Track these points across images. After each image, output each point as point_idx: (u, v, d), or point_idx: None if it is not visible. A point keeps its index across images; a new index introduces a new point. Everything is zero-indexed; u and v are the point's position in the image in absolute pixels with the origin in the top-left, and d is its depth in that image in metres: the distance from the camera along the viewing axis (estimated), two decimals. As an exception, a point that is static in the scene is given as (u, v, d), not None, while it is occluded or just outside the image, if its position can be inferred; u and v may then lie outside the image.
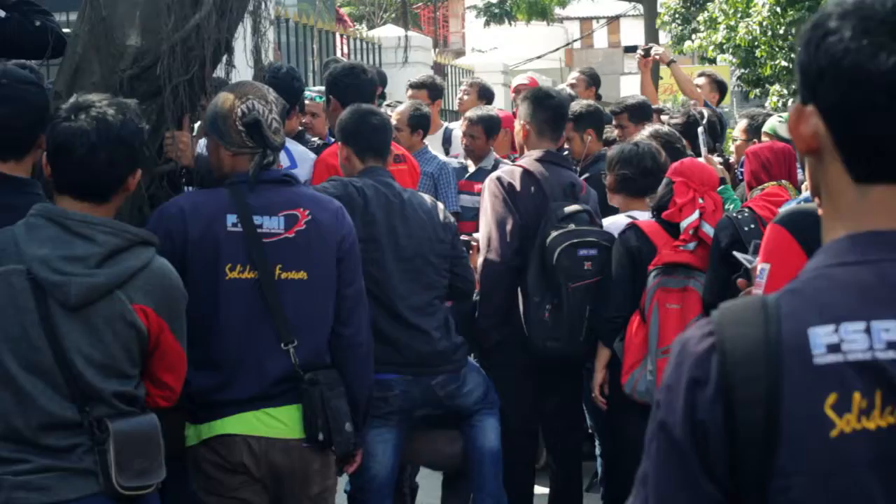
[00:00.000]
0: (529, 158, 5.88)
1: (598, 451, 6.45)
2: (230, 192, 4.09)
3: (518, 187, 5.73)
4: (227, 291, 4.04)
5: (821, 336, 1.51)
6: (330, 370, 4.21)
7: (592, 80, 9.78)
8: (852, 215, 1.59)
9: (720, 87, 9.62)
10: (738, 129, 7.49)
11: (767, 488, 1.51)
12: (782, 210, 3.17)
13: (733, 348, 1.53)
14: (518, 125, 6.11)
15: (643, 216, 5.66)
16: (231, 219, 4.06)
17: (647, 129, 6.19)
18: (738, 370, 1.52)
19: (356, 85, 6.31)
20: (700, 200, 5.21)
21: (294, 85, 6.11)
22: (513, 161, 6.55)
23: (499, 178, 5.81)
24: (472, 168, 7.66)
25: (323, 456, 4.22)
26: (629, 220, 5.67)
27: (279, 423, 4.11)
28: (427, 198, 5.46)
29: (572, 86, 9.31)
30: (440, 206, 5.47)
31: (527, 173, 5.78)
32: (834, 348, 1.51)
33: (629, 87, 35.73)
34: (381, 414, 4.94)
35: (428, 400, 5.16)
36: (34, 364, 3.31)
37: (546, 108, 5.98)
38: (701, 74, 9.76)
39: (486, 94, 9.00)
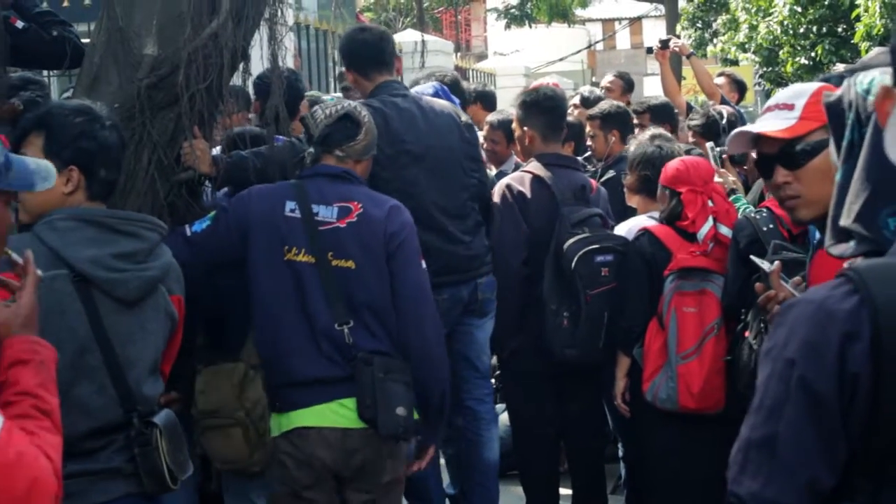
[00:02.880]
0: (537, 163, 5.87)
1: (621, 455, 6.44)
2: (291, 183, 4.44)
3: (528, 194, 5.74)
4: (285, 271, 4.31)
5: None
6: (391, 358, 4.34)
7: (629, 86, 9.75)
8: None
9: (739, 87, 9.59)
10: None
11: None
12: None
13: (884, 304, 1.59)
14: (517, 131, 6.09)
15: None
16: (290, 205, 4.35)
17: (647, 133, 6.14)
18: (889, 324, 1.58)
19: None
20: (710, 203, 5.18)
21: (296, 86, 6.13)
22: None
23: (508, 186, 5.81)
24: (492, 172, 7.66)
25: (391, 444, 4.37)
26: (650, 220, 5.65)
27: (350, 412, 4.29)
28: (442, 101, 5.57)
29: (607, 89, 9.29)
30: (456, 107, 5.58)
31: (536, 179, 5.78)
32: None
33: (652, 88, 35.61)
34: None
35: (471, 300, 5.53)
36: (84, 368, 3.28)
37: (545, 110, 5.97)
38: (720, 74, 9.72)
39: (488, 103, 9.05)
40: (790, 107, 3.11)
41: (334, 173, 4.47)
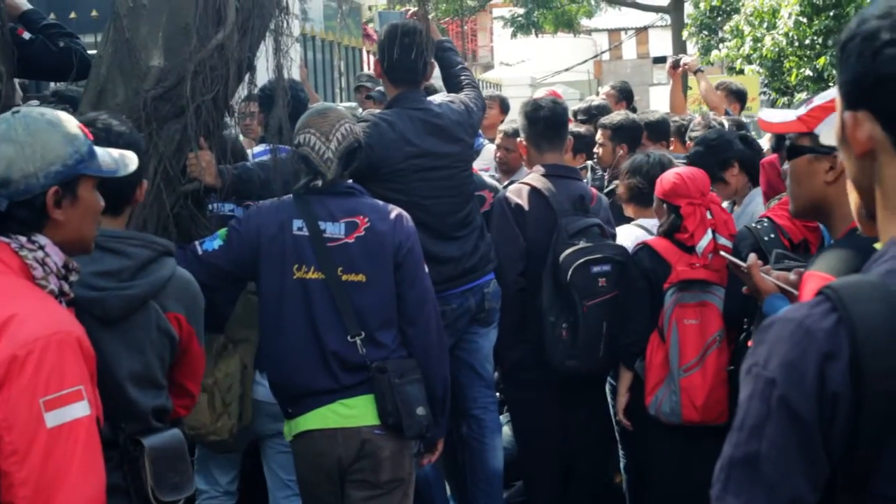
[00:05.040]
0: (535, 174, 5.89)
1: (623, 465, 6.44)
2: (296, 201, 4.47)
3: (526, 206, 5.76)
4: (294, 290, 4.37)
5: None
6: (401, 360, 4.45)
7: (623, 95, 9.77)
8: None
9: (739, 97, 9.54)
10: (764, 139, 7.47)
11: (883, 456, 1.60)
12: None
13: (862, 322, 1.60)
14: (518, 142, 6.15)
15: (652, 224, 5.66)
16: (297, 223, 4.41)
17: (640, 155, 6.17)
18: (868, 343, 1.60)
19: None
20: (709, 215, 5.18)
21: (299, 96, 6.18)
22: None
23: (506, 199, 5.84)
24: (504, 181, 7.68)
25: (395, 444, 4.45)
26: (639, 229, 5.68)
27: (350, 411, 4.39)
28: (457, 102, 5.64)
29: (604, 100, 9.33)
30: (470, 105, 5.69)
31: (534, 191, 5.79)
32: None
33: (658, 98, 35.64)
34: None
35: (479, 309, 5.60)
36: None
37: (537, 120, 5.99)
38: (717, 87, 9.69)
39: (505, 107, 9.10)
40: (807, 104, 3.17)
41: (340, 190, 4.52)
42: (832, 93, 3.13)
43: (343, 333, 4.37)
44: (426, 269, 4.62)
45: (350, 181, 4.60)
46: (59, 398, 2.64)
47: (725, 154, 5.64)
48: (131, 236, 3.49)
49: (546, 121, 5.98)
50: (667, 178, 5.28)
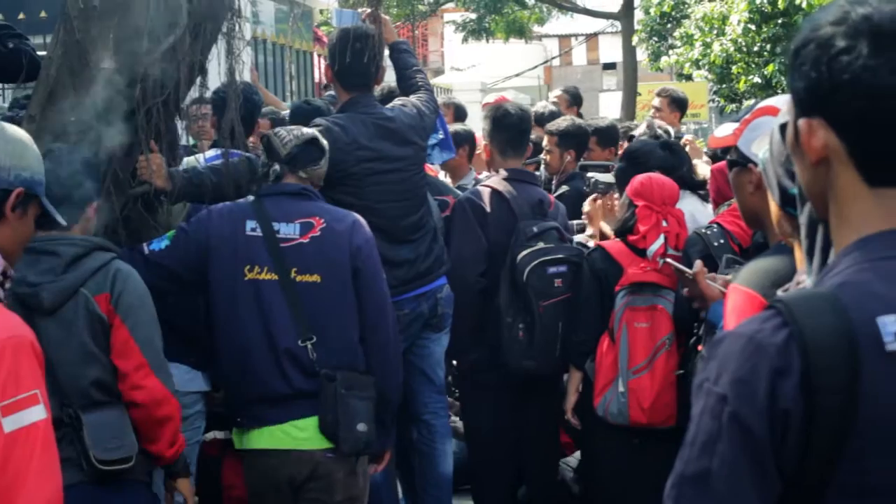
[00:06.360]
0: (497, 178, 5.95)
1: (574, 468, 6.46)
2: (251, 204, 4.47)
3: (487, 208, 5.80)
4: (246, 291, 4.35)
5: (888, 324, 1.60)
6: (353, 373, 4.41)
7: (574, 100, 9.77)
8: (869, 217, 1.69)
9: (680, 105, 9.42)
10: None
11: (835, 472, 1.59)
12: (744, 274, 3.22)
13: (813, 338, 1.59)
14: (482, 145, 6.19)
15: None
16: (250, 224, 4.40)
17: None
18: (819, 359, 1.58)
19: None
20: (664, 223, 5.22)
21: (252, 99, 6.18)
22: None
23: (468, 200, 5.88)
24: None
25: (348, 465, 4.43)
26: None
27: (302, 433, 4.37)
28: (409, 106, 5.64)
29: (555, 104, 9.32)
30: (422, 108, 5.69)
31: (495, 193, 5.84)
32: None
33: (608, 104, 35.82)
34: None
35: (431, 314, 5.61)
36: None
37: (505, 127, 6.04)
38: (659, 93, 9.62)
39: (460, 114, 9.04)
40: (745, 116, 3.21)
41: (294, 191, 4.53)
42: (777, 100, 3.18)
43: (295, 338, 4.35)
44: (384, 276, 4.62)
45: (307, 185, 4.59)
46: (17, 402, 2.67)
47: (647, 164, 5.67)
48: (62, 238, 3.85)
49: (514, 127, 6.07)
50: (637, 178, 5.34)
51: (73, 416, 3.79)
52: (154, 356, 3.92)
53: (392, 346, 4.63)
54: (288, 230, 4.41)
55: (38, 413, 2.71)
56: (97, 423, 3.80)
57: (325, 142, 4.68)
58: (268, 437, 4.39)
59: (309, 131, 4.66)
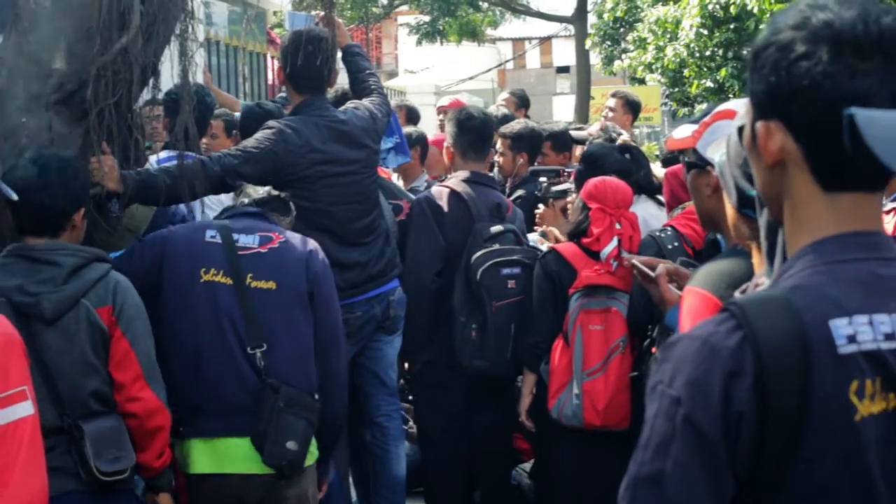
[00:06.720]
0: (456, 179, 5.97)
1: (528, 470, 6.48)
2: (215, 217, 4.58)
3: (445, 208, 5.83)
4: (200, 293, 4.33)
5: (841, 328, 1.62)
6: (300, 392, 4.33)
7: (522, 102, 9.78)
8: (823, 221, 1.70)
9: (633, 108, 9.42)
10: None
11: (787, 474, 1.60)
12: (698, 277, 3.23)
13: (767, 341, 1.60)
14: (445, 147, 6.20)
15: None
16: (210, 232, 4.41)
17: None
18: (773, 361, 1.60)
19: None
20: (617, 226, 5.23)
21: (205, 101, 6.12)
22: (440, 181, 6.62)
23: (426, 199, 5.91)
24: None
25: (299, 489, 4.37)
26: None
27: (253, 453, 4.27)
28: (361, 109, 5.64)
29: (503, 107, 9.32)
30: (374, 111, 5.68)
31: (454, 194, 5.87)
32: (851, 339, 1.62)
33: (561, 107, 35.98)
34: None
35: (384, 317, 5.60)
36: None
37: (468, 129, 6.07)
38: (613, 95, 9.63)
39: (413, 116, 9.04)
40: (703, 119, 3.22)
41: (256, 211, 4.57)
42: (737, 103, 3.20)
43: (246, 344, 4.29)
44: (339, 306, 4.61)
45: (266, 209, 4.62)
46: (5, 398, 2.77)
47: (604, 167, 5.69)
48: (62, 247, 3.90)
49: (477, 131, 6.10)
50: (591, 181, 5.35)
51: (74, 426, 3.78)
52: (150, 367, 3.95)
53: (343, 377, 4.60)
54: (247, 240, 4.41)
55: (26, 409, 2.80)
56: (98, 433, 3.80)
57: (292, 204, 4.74)
58: (210, 460, 4.29)
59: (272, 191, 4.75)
